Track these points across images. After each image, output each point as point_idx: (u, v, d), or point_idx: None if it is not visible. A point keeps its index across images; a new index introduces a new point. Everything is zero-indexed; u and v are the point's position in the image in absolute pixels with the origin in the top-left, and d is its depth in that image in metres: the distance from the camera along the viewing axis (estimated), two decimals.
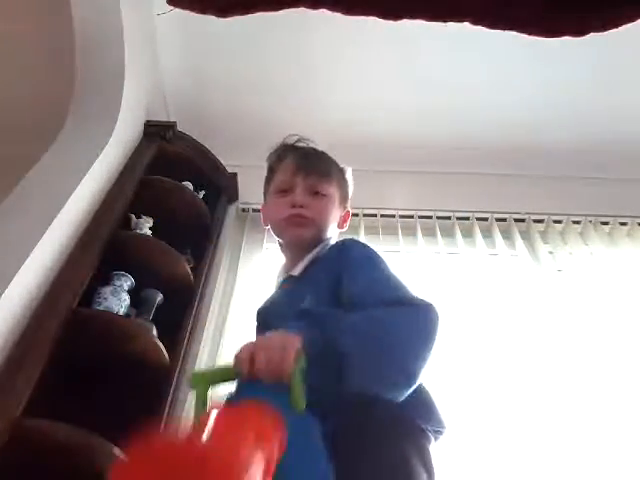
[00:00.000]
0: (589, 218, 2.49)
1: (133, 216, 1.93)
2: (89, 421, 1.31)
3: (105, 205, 1.85)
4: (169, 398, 1.54)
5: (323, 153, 1.29)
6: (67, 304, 1.48)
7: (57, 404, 1.37)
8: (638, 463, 1.59)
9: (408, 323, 0.88)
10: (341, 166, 1.30)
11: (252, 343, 0.79)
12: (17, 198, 1.65)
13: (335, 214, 1.23)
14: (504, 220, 2.49)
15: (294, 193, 1.19)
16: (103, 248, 1.69)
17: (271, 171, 1.29)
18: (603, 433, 1.67)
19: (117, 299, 1.63)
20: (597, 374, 1.81)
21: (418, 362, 0.85)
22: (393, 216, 2.46)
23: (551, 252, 2.38)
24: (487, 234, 2.41)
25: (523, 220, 2.50)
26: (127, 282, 1.70)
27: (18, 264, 1.39)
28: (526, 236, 2.44)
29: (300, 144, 1.30)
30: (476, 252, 2.31)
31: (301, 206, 1.17)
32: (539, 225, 2.50)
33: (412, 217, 2.46)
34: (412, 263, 2.22)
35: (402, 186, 2.55)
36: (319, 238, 1.18)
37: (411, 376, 0.84)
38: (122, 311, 1.63)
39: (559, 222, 2.51)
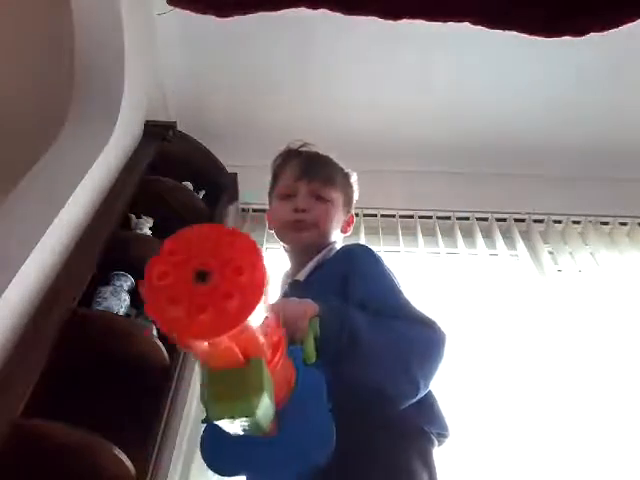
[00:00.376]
0: (589, 218, 2.49)
1: (133, 216, 1.93)
2: (89, 421, 1.31)
3: (105, 205, 1.84)
4: (169, 398, 1.53)
5: (327, 158, 1.28)
6: (67, 304, 1.48)
7: (57, 404, 1.37)
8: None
9: (421, 339, 0.88)
10: (346, 171, 1.29)
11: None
12: (17, 198, 1.65)
13: (338, 218, 1.22)
14: (504, 220, 2.49)
15: (296, 198, 1.19)
16: (103, 248, 1.69)
17: (275, 176, 1.29)
18: (604, 433, 1.67)
19: (117, 299, 1.63)
20: (597, 374, 1.81)
21: (424, 376, 0.85)
22: (393, 216, 2.46)
23: (551, 252, 2.38)
24: (487, 234, 2.41)
25: (523, 220, 2.50)
26: (127, 282, 1.70)
27: (18, 264, 1.39)
28: (526, 236, 2.44)
29: (304, 149, 1.29)
30: (476, 252, 2.31)
31: (303, 210, 1.17)
32: (539, 225, 2.50)
33: (412, 217, 2.46)
34: (412, 263, 2.22)
35: (402, 186, 2.55)
36: (322, 242, 1.18)
37: (414, 386, 0.84)
38: (122, 311, 1.63)
39: (559, 222, 2.51)
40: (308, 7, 1.77)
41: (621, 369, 1.82)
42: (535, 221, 2.50)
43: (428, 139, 2.58)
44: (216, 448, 0.65)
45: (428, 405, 0.93)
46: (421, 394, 0.86)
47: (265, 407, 0.53)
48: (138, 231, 1.89)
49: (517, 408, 1.73)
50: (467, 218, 2.48)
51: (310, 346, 0.72)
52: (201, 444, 0.66)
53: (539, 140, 2.59)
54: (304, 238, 1.16)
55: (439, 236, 2.35)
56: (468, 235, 2.40)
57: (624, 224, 2.49)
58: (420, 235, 2.35)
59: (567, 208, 2.52)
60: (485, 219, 2.49)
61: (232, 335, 0.45)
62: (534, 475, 1.58)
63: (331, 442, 0.65)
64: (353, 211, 1.30)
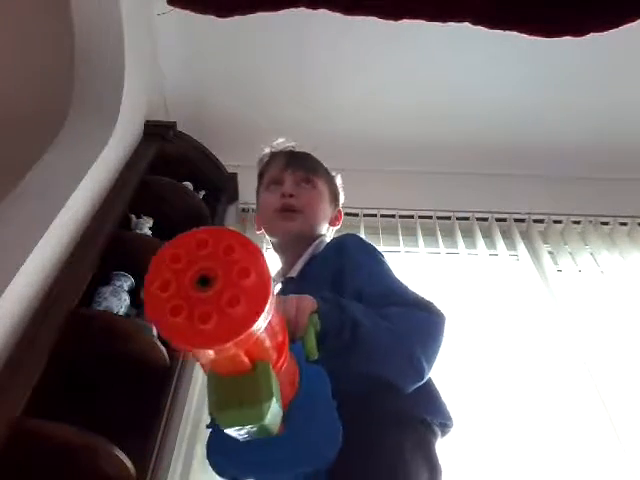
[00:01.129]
0: (589, 218, 2.49)
1: (133, 216, 1.93)
2: (89, 421, 1.31)
3: (105, 205, 1.84)
4: (169, 398, 1.53)
5: (310, 154, 1.31)
6: (67, 304, 1.48)
7: (57, 404, 1.37)
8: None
9: (421, 324, 0.88)
10: (330, 171, 1.32)
11: None
12: (17, 198, 1.65)
13: (325, 209, 1.23)
14: (504, 220, 2.49)
15: (283, 186, 1.20)
16: (103, 248, 1.69)
17: (260, 175, 1.32)
18: (604, 433, 1.67)
19: (117, 299, 1.63)
20: (598, 374, 1.81)
21: (427, 359, 0.85)
22: (393, 216, 2.46)
23: (551, 252, 2.38)
24: (487, 234, 2.41)
25: (523, 220, 2.50)
26: (127, 282, 1.70)
27: (18, 264, 1.39)
28: (526, 236, 2.44)
29: (286, 147, 1.32)
30: (476, 252, 2.31)
31: (290, 196, 1.18)
32: (539, 225, 2.50)
33: (412, 217, 2.46)
34: (412, 263, 2.22)
35: (402, 186, 2.55)
36: (311, 233, 1.18)
37: (419, 369, 0.84)
38: (122, 311, 1.63)
39: (559, 222, 2.51)
40: (308, 7, 1.77)
41: (621, 369, 1.82)
42: (535, 221, 2.50)
43: (428, 139, 2.58)
44: (223, 452, 0.64)
45: (428, 394, 0.92)
46: (426, 377, 0.86)
47: (274, 412, 0.52)
48: (138, 231, 1.89)
49: (517, 408, 1.72)
50: (467, 218, 2.48)
51: (311, 342, 0.71)
52: (207, 449, 0.65)
53: (539, 140, 2.59)
54: (293, 227, 1.16)
55: (439, 236, 2.35)
56: (468, 235, 2.40)
57: (624, 224, 2.49)
58: (420, 235, 2.35)
59: (567, 208, 2.52)
60: (485, 219, 2.49)
61: (239, 342, 0.44)
62: (533, 473, 1.58)
63: (338, 439, 0.64)
64: (341, 206, 1.31)
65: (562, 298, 2.09)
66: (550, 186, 2.59)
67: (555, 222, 2.50)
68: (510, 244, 2.37)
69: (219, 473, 0.66)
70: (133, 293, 1.72)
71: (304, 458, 0.63)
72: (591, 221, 2.49)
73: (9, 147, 2.30)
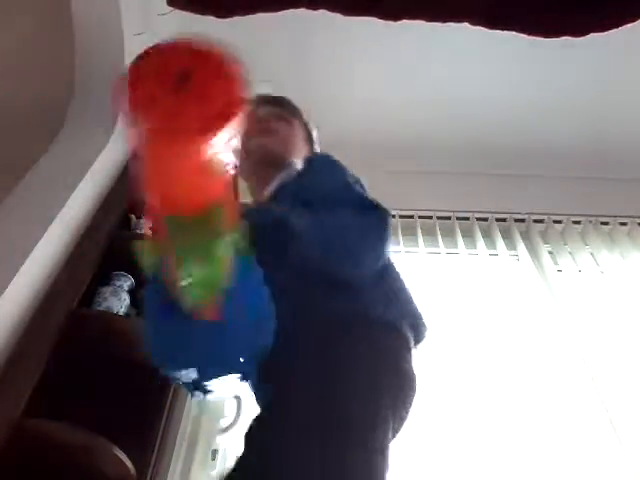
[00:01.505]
0: (589, 218, 2.49)
1: (133, 216, 1.93)
2: (89, 421, 1.31)
3: (105, 205, 1.84)
4: (169, 398, 1.53)
5: (290, 100, 1.35)
6: (67, 304, 1.48)
7: (57, 404, 1.37)
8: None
9: (362, 224, 0.91)
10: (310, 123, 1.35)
11: None
12: (17, 198, 1.65)
13: (300, 146, 1.25)
14: (504, 220, 2.49)
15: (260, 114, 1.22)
16: (103, 248, 1.69)
17: None
18: (603, 433, 1.67)
19: (117, 299, 1.63)
20: (597, 374, 1.81)
21: (366, 247, 0.89)
22: (393, 216, 2.45)
23: (551, 252, 2.38)
24: (487, 234, 2.41)
25: (523, 220, 2.50)
26: (127, 282, 1.70)
27: (18, 264, 1.39)
28: (526, 236, 2.44)
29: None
30: (476, 252, 2.31)
31: (267, 120, 1.21)
32: (539, 225, 2.50)
33: (412, 217, 2.46)
34: (412, 263, 2.22)
35: (402, 186, 2.55)
36: (282, 159, 1.17)
37: (354, 254, 0.87)
38: (122, 311, 1.63)
39: (559, 222, 2.51)
40: (308, 7, 1.77)
41: (621, 369, 1.82)
42: (535, 221, 2.50)
43: (428, 139, 2.58)
44: (164, 339, 0.66)
45: (390, 294, 0.91)
46: (365, 265, 0.89)
47: (228, 249, 0.54)
48: (138, 231, 1.89)
49: (517, 408, 1.72)
50: (467, 218, 2.48)
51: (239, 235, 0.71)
52: (147, 341, 0.65)
53: (539, 140, 2.59)
54: (267, 142, 1.18)
55: (439, 236, 2.35)
56: (468, 235, 2.40)
57: (624, 224, 2.49)
58: (420, 235, 2.35)
59: (567, 208, 2.52)
60: (485, 219, 2.49)
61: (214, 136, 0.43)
62: (533, 473, 1.58)
63: (272, 318, 0.66)
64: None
65: (562, 298, 2.09)
66: (550, 186, 2.59)
67: (555, 222, 2.50)
68: (510, 244, 2.38)
69: (160, 362, 0.67)
70: (133, 293, 1.72)
71: (240, 343, 0.65)
72: (591, 221, 2.49)
73: (9, 147, 2.30)
